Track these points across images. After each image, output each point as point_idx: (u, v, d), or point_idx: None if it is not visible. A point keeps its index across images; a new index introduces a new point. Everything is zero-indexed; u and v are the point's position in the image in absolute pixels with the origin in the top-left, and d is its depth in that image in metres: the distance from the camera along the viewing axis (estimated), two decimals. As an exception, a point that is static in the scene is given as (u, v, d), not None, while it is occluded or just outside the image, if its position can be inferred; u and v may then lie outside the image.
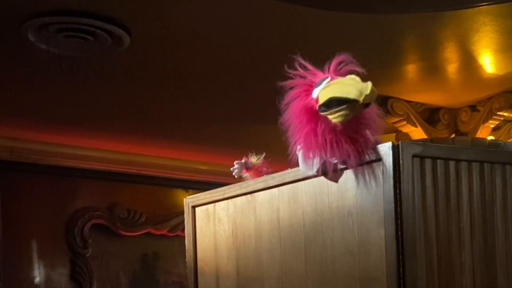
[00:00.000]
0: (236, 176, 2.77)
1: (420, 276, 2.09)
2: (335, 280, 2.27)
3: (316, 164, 2.24)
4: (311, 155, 2.22)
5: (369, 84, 2.09)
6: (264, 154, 2.82)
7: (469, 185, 2.20)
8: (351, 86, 2.10)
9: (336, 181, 2.26)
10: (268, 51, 4.30)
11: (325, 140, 2.17)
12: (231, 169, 2.77)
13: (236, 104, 5.17)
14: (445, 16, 3.96)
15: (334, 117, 2.13)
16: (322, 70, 2.25)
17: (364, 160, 2.17)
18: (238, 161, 2.77)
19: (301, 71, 2.25)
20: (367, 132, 2.20)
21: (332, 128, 2.16)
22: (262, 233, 2.53)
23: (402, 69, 4.74)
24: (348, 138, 2.17)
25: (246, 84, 4.86)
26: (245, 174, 2.78)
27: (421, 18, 3.95)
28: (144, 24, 3.95)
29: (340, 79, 2.15)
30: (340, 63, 2.23)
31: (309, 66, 2.25)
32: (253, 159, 2.77)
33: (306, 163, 2.26)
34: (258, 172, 2.75)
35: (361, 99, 2.07)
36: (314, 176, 2.31)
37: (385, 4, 3.83)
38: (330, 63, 2.25)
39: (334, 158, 2.19)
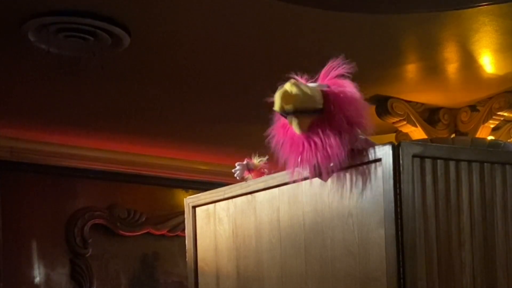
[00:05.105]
0: (237, 178, 2.72)
1: (420, 276, 2.09)
2: (335, 280, 2.27)
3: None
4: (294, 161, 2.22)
5: (279, 92, 2.08)
6: (267, 157, 2.77)
7: (469, 185, 2.20)
8: (276, 98, 2.10)
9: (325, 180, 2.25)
10: (268, 51, 4.30)
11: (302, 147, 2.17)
12: (233, 170, 2.72)
13: (236, 104, 5.16)
14: (445, 16, 3.96)
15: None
16: (314, 78, 2.23)
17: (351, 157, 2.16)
18: (240, 163, 2.72)
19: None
20: (353, 128, 2.16)
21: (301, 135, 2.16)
22: (262, 233, 2.53)
23: (402, 69, 4.74)
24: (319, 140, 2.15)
25: (246, 84, 4.86)
26: (247, 176, 2.73)
27: (421, 18, 3.95)
28: (144, 24, 3.95)
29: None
30: (331, 68, 2.21)
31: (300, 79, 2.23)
32: (255, 161, 2.71)
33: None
34: (260, 173, 2.71)
35: (279, 109, 2.07)
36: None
37: (385, 4, 3.83)
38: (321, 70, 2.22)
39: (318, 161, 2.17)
